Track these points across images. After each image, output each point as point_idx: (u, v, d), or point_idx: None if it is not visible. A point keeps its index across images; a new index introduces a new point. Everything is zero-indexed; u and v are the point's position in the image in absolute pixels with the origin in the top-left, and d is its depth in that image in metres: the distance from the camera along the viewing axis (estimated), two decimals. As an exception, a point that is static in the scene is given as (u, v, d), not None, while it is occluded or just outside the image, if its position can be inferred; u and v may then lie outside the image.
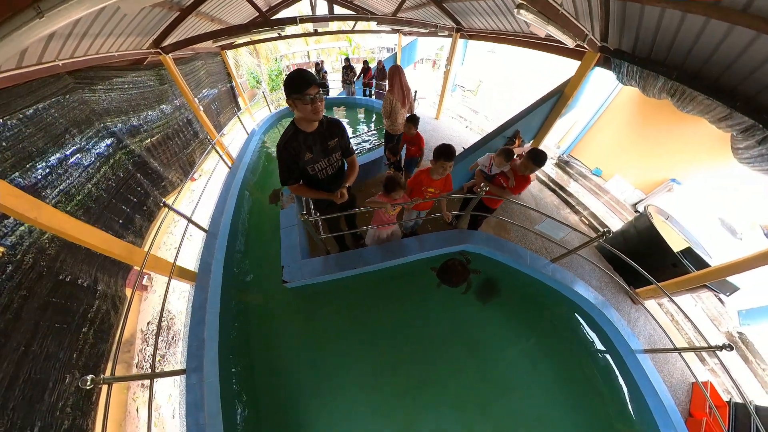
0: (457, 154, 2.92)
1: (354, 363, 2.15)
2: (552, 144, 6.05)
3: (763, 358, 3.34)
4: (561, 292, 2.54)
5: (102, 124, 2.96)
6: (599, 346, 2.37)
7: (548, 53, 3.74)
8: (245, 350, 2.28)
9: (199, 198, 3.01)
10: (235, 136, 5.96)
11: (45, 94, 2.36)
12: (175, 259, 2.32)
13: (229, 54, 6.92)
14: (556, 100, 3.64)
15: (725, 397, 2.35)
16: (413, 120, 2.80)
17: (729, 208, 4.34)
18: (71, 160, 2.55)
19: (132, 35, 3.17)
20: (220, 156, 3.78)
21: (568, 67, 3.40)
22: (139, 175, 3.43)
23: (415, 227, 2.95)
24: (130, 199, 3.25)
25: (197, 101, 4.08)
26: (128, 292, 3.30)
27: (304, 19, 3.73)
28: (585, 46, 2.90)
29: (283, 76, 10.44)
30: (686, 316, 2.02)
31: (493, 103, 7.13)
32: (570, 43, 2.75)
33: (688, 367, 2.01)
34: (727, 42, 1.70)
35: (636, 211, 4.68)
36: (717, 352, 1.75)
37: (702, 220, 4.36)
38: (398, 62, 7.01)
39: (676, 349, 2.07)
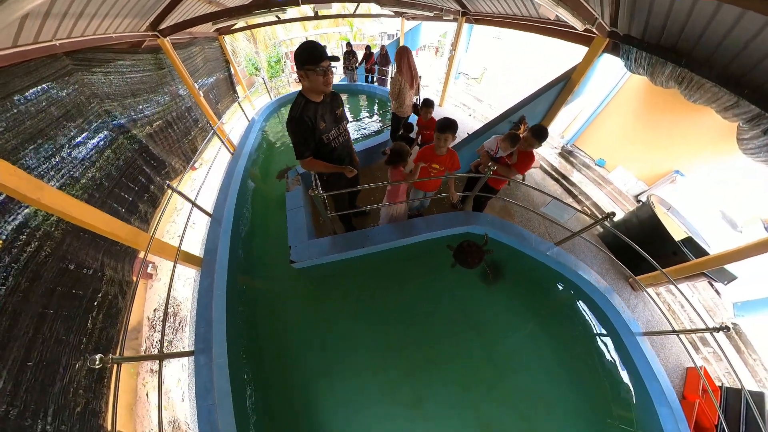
0: (460, 140, 2.95)
1: (362, 343, 2.20)
2: (556, 134, 5.98)
3: (755, 348, 3.41)
4: (564, 274, 2.59)
5: (103, 108, 2.90)
6: (600, 328, 2.42)
7: (556, 38, 3.64)
8: (253, 332, 2.32)
9: (202, 183, 3.00)
10: (235, 125, 5.88)
11: (44, 75, 2.30)
12: (180, 244, 2.32)
13: (227, 40, 6.73)
14: (563, 87, 3.57)
15: (718, 382, 2.46)
16: (428, 104, 2.77)
17: (730, 201, 4.34)
18: (74, 143, 2.52)
19: (128, 16, 3.08)
20: (222, 142, 3.74)
21: (576, 54, 3.30)
22: (141, 160, 3.39)
23: (421, 208, 2.95)
24: (133, 185, 3.23)
25: (197, 86, 4.00)
26: (135, 278, 3.36)
27: (306, 0, 3.62)
28: (594, 30, 2.83)
29: (283, 63, 10.26)
30: (686, 299, 2.06)
31: (498, 91, 6.99)
32: (579, 26, 2.68)
33: (687, 350, 2.08)
34: (738, 27, 1.67)
35: (638, 202, 4.67)
36: (714, 333, 1.80)
37: (703, 212, 4.36)
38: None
39: (674, 332, 2.14)
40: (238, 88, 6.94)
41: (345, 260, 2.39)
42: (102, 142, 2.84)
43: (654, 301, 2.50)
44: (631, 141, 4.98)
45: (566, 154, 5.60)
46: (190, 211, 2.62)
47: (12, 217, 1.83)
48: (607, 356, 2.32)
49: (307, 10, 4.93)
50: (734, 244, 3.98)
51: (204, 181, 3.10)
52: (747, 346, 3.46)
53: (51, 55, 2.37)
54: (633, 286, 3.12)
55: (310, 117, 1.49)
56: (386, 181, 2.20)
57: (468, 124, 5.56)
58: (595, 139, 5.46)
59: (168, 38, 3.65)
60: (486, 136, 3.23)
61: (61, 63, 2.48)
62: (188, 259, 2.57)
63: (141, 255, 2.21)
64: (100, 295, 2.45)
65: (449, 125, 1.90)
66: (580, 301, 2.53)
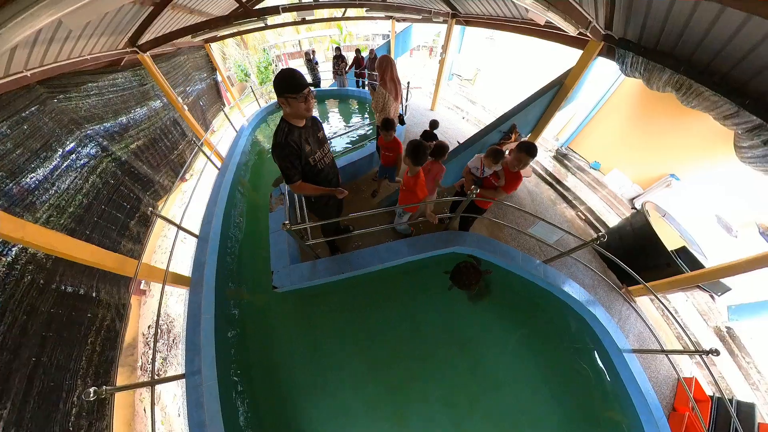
0: (451, 148, 2.87)
1: (347, 361, 2.23)
2: (550, 136, 5.88)
3: (748, 352, 3.45)
4: (552, 292, 2.56)
5: (83, 133, 2.86)
6: (588, 345, 2.40)
7: (549, 41, 3.51)
8: (242, 352, 2.36)
9: (188, 202, 2.97)
10: (224, 133, 5.79)
11: (17, 108, 2.26)
12: (168, 267, 2.32)
13: (216, 46, 6.59)
14: (556, 92, 3.47)
15: (710, 391, 2.40)
16: (388, 124, 2.53)
17: (726, 206, 4.28)
18: (56, 172, 2.49)
19: (104, 35, 2.99)
20: (208, 158, 3.68)
21: (572, 54, 3.19)
22: (128, 180, 3.37)
23: (407, 231, 2.91)
24: (123, 205, 3.22)
25: (181, 100, 3.92)
26: (132, 299, 3.37)
27: (287, 8, 3.50)
28: (588, 34, 2.72)
29: (273, 67, 10.03)
30: (674, 318, 2.03)
31: (492, 92, 6.84)
32: (572, 30, 2.58)
33: (674, 368, 2.09)
34: (741, 34, 1.59)
35: (633, 208, 4.61)
36: (702, 356, 1.76)
37: (698, 217, 4.32)
38: (392, 50, 6.66)
39: (662, 351, 2.09)
40: (227, 96, 6.85)
41: (329, 282, 2.39)
42: (86, 168, 2.80)
43: (642, 317, 2.47)
44: (627, 144, 4.89)
45: (561, 157, 5.51)
46: (175, 234, 2.59)
47: (3, 252, 1.83)
48: (594, 374, 2.29)
49: (290, 16, 4.80)
50: (729, 250, 4.06)
51: (191, 197, 3.06)
52: (741, 350, 3.49)
53: (23, 87, 2.31)
54: (626, 295, 3.09)
55: (295, 141, 1.50)
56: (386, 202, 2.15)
57: (461, 127, 5.47)
58: (591, 142, 5.36)
59: (148, 53, 3.56)
60: (476, 147, 3.17)
61: (35, 93, 2.43)
62: (177, 280, 2.59)
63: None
64: (97, 320, 2.48)
65: (416, 153, 1.87)
66: (568, 318, 2.51)
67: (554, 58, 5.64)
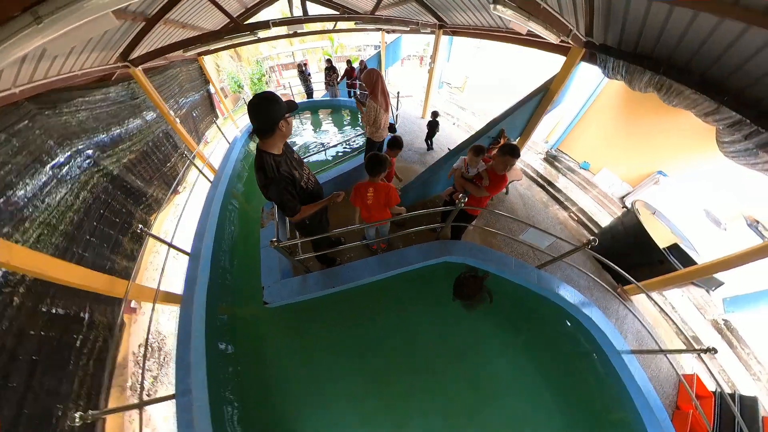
0: (442, 155, 2.89)
1: (342, 375, 2.19)
2: (540, 139, 6.01)
3: (747, 343, 3.46)
4: (547, 296, 2.54)
5: (74, 148, 2.84)
6: (586, 348, 2.37)
7: (532, 48, 3.64)
8: (235, 369, 2.30)
9: (180, 216, 2.94)
10: (217, 145, 5.80)
11: (5, 124, 2.24)
12: (158, 286, 2.28)
13: (209, 58, 6.68)
14: (542, 97, 3.57)
15: (712, 386, 2.38)
16: (396, 144, 2.52)
17: (713, 200, 4.38)
18: (47, 189, 2.45)
19: (96, 51, 3.01)
20: (200, 171, 3.67)
21: (557, 59, 3.28)
22: (120, 195, 3.33)
23: (386, 239, 2.77)
24: (116, 221, 3.17)
25: (173, 113, 3.93)
26: (126, 317, 3.28)
27: (277, 23, 3.58)
28: (569, 41, 2.80)
29: (266, 79, 10.17)
30: (669, 317, 2.04)
31: (481, 99, 7.01)
32: (553, 39, 2.66)
33: (674, 367, 2.08)
34: (716, 35, 1.65)
35: (624, 207, 4.68)
36: (701, 354, 1.77)
37: (687, 212, 4.40)
38: (382, 60, 6.81)
39: (661, 351, 2.09)
40: (220, 108, 6.90)
41: (321, 296, 2.36)
42: (76, 184, 2.76)
43: (638, 318, 2.48)
44: (614, 143, 5.01)
45: (551, 159, 5.62)
46: (166, 252, 2.56)
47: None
48: (594, 377, 2.27)
49: (281, 29, 4.90)
50: (719, 243, 4.13)
51: (182, 210, 3.03)
52: (740, 341, 3.51)
53: (12, 104, 2.30)
54: (622, 295, 3.10)
55: (287, 171, 1.44)
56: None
57: (452, 134, 5.56)
58: (579, 143, 5.48)
59: (140, 67, 3.58)
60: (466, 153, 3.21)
61: (24, 109, 2.42)
62: (168, 298, 2.53)
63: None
64: (88, 342, 2.42)
65: (370, 164, 1.82)
66: (565, 322, 2.49)
67: (539, 64, 5.83)
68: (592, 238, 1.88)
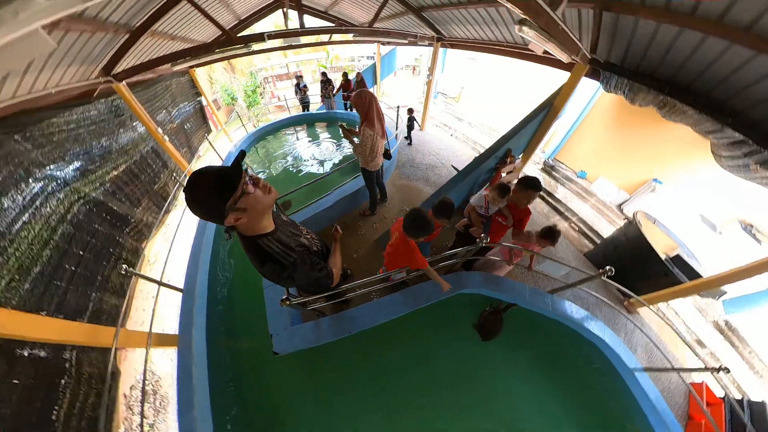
0: (449, 176, 2.64)
1: (360, 415, 2.01)
2: (537, 149, 5.92)
3: (748, 342, 3.50)
4: (560, 321, 2.43)
5: (49, 176, 2.45)
6: (599, 368, 2.33)
7: (534, 63, 3.49)
8: (242, 416, 2.04)
9: (171, 245, 2.60)
10: (210, 160, 5.42)
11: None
12: (151, 329, 1.98)
13: (202, 70, 6.31)
14: (546, 114, 3.44)
15: (720, 392, 2.34)
16: (446, 212, 1.76)
17: (709, 205, 4.38)
18: (16, 226, 2.05)
19: (73, 65, 2.66)
20: None
21: (548, 70, 3.28)
22: (106, 224, 2.93)
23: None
24: (102, 254, 2.77)
25: (161, 131, 3.58)
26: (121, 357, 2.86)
27: (272, 36, 3.31)
28: (577, 60, 2.69)
29: (261, 90, 9.75)
30: (674, 328, 2.05)
31: (476, 108, 6.93)
32: (564, 58, 2.53)
33: (683, 380, 2.05)
34: (723, 58, 1.61)
35: (626, 218, 4.61)
36: (714, 373, 1.76)
37: (684, 218, 4.39)
38: (378, 71, 6.61)
39: (674, 369, 2.10)
40: (212, 122, 6.51)
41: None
42: (53, 217, 2.37)
43: (647, 336, 2.42)
44: (609, 152, 4.98)
45: (549, 168, 5.53)
46: (157, 291, 2.23)
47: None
48: (611, 396, 2.22)
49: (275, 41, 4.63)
50: (716, 247, 4.12)
51: (174, 237, 2.69)
52: (741, 341, 3.52)
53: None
54: (628, 308, 3.00)
55: (299, 249, 1.02)
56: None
57: (453, 147, 5.39)
58: (575, 152, 5.43)
59: (124, 82, 3.23)
60: (474, 174, 3.02)
61: (-14, 135, 2.04)
62: (162, 341, 2.21)
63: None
64: (78, 398, 2.03)
65: (415, 226, 1.48)
66: (578, 344, 2.42)
67: (533, 73, 5.79)
68: (608, 267, 1.78)
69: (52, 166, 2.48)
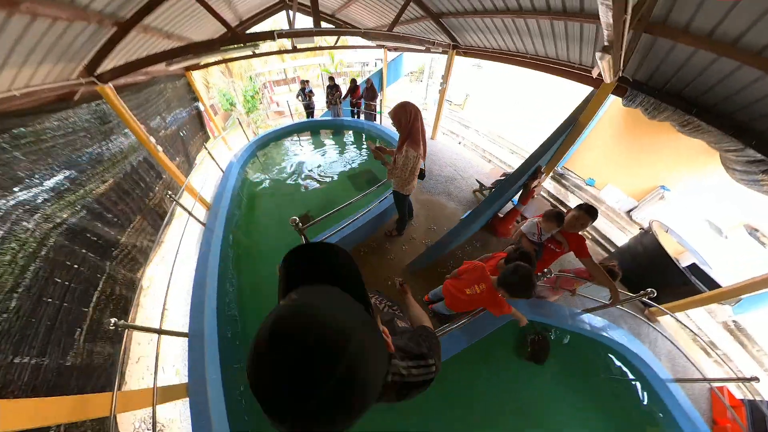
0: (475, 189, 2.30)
1: None
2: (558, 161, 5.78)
3: (756, 341, 3.49)
4: (599, 340, 2.38)
5: (12, 202, 1.85)
6: (635, 383, 2.29)
7: (558, 76, 3.27)
8: None
9: (170, 277, 2.06)
10: (208, 171, 4.75)
11: None
12: (155, 383, 1.58)
13: (198, 74, 5.66)
14: (571, 129, 3.25)
15: (739, 395, 2.33)
16: (592, 213, 1.75)
17: (714, 210, 4.35)
18: None
19: (47, 62, 2.08)
20: (190, 213, 2.76)
21: (554, 80, 3.18)
22: (91, 255, 2.32)
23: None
24: (88, 293, 2.17)
25: (153, 140, 2.99)
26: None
27: (283, 34, 2.84)
28: (614, 78, 2.53)
29: (260, 96, 9.05)
30: (707, 344, 2.24)
31: (482, 115, 6.71)
32: (608, 78, 2.30)
33: (710, 385, 2.01)
34: (755, 86, 1.61)
35: (641, 229, 4.47)
36: (744, 384, 1.84)
37: (691, 223, 4.36)
38: (384, 77, 6.21)
39: (705, 379, 2.10)
40: (209, 128, 5.86)
41: None
42: (20, 254, 1.77)
43: (676, 345, 2.38)
44: (616, 160, 4.89)
45: (558, 176, 5.36)
46: (158, 340, 1.73)
47: None
48: (644, 409, 2.16)
49: (282, 42, 4.14)
50: (723, 251, 4.09)
51: (173, 265, 2.15)
52: (750, 340, 3.47)
53: None
54: (649, 316, 2.93)
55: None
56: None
57: (465, 156, 5.08)
58: (584, 160, 5.31)
59: (110, 84, 2.64)
60: (508, 194, 2.75)
61: None
62: (169, 394, 1.72)
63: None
64: None
65: (521, 287, 1.27)
66: (612, 358, 2.40)
67: (539, 82, 5.63)
68: (650, 290, 1.76)
69: (17, 188, 1.88)
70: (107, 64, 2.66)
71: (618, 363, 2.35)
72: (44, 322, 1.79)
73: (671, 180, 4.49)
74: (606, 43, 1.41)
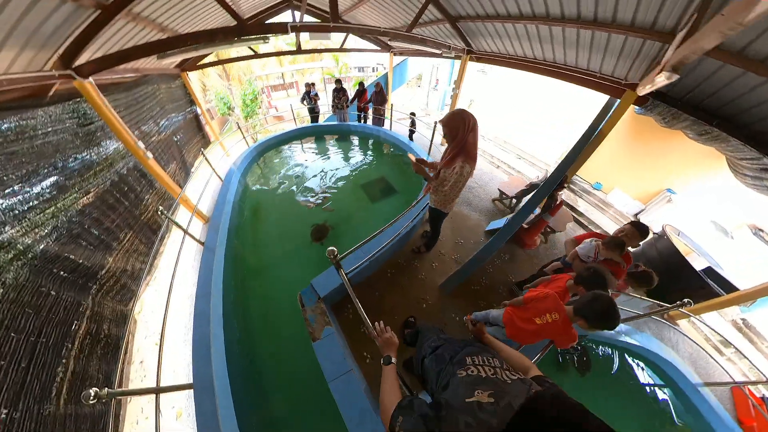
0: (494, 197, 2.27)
1: None
2: (552, 161, 5.64)
3: (765, 337, 3.43)
4: (631, 349, 2.34)
5: None
6: (666, 389, 2.21)
7: (577, 85, 3.15)
8: None
9: (165, 316, 1.59)
10: (205, 178, 4.13)
11: None
12: None
13: (195, 75, 5.09)
14: (592, 138, 3.09)
15: (758, 393, 2.32)
16: (643, 231, 1.68)
17: (718, 212, 4.27)
18: None
19: (10, 48, 1.58)
20: (185, 231, 2.26)
21: (563, 85, 3.10)
22: (68, 291, 1.77)
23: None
24: (67, 338, 1.64)
25: (142, 146, 2.46)
26: None
27: (297, 27, 2.45)
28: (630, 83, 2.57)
29: (260, 100, 8.46)
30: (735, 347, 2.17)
31: (487, 122, 6.51)
32: (643, 91, 2.20)
33: (742, 388, 1.99)
34: None
35: (654, 233, 4.36)
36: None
37: (697, 225, 4.30)
38: (389, 82, 5.87)
39: (735, 383, 2.08)
40: (207, 132, 5.28)
41: None
42: None
43: (704, 350, 2.33)
44: (622, 164, 4.80)
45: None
46: (156, 400, 1.27)
47: None
48: (680, 413, 2.09)
49: (283, 43, 3.71)
50: (730, 251, 4.05)
51: (169, 293, 1.67)
52: (758, 336, 3.42)
53: None
54: (669, 320, 2.85)
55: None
56: None
57: (479, 164, 4.82)
58: (590, 164, 5.14)
59: (91, 79, 2.13)
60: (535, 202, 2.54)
61: None
62: None
63: None
64: None
65: (614, 317, 1.07)
66: (643, 364, 2.33)
67: (542, 87, 5.50)
68: (687, 300, 1.69)
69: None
70: (88, 55, 2.15)
71: (648, 369, 2.30)
72: (9, 385, 1.26)
73: (677, 183, 4.43)
74: (674, 64, 1.48)
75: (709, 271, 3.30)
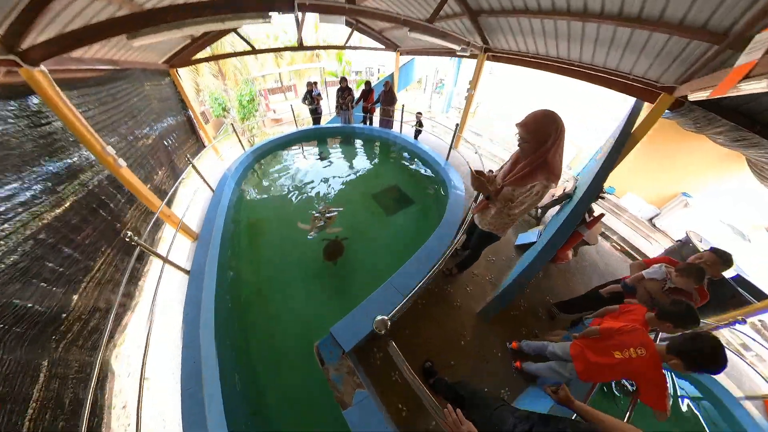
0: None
1: None
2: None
3: None
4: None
5: None
6: (706, 402, 2.04)
7: (605, 87, 2.83)
8: None
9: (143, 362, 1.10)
10: (194, 188, 3.51)
11: None
12: None
13: (186, 74, 4.49)
14: (623, 143, 2.77)
15: None
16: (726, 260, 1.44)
17: (733, 214, 4.08)
18: None
19: None
20: (167, 260, 1.75)
21: (578, 85, 2.85)
22: (11, 339, 1.26)
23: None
24: (25, 401, 1.12)
25: (112, 151, 1.90)
26: None
27: (306, 6, 1.98)
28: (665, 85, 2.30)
29: (257, 102, 7.81)
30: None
31: (493, 123, 6.19)
32: (697, 95, 1.86)
33: None
34: None
35: (678, 241, 4.11)
36: None
37: (716, 229, 4.11)
38: (395, 82, 5.40)
39: None
40: (202, 136, 4.69)
41: None
42: None
43: (731, 350, 2.05)
44: (635, 167, 4.57)
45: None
46: None
47: None
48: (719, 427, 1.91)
49: (287, 40, 3.22)
50: (749, 254, 3.86)
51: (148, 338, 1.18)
52: None
53: None
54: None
55: None
56: None
57: (476, 162, 4.43)
58: (601, 170, 4.91)
59: (43, 67, 1.59)
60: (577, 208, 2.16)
61: None
62: None
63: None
64: None
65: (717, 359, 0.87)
66: (686, 382, 2.15)
67: (555, 87, 5.21)
68: (740, 317, 1.61)
69: None
70: (38, 37, 1.61)
71: (687, 381, 2.15)
72: None
73: (694, 185, 4.24)
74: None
75: (739, 280, 3.07)
